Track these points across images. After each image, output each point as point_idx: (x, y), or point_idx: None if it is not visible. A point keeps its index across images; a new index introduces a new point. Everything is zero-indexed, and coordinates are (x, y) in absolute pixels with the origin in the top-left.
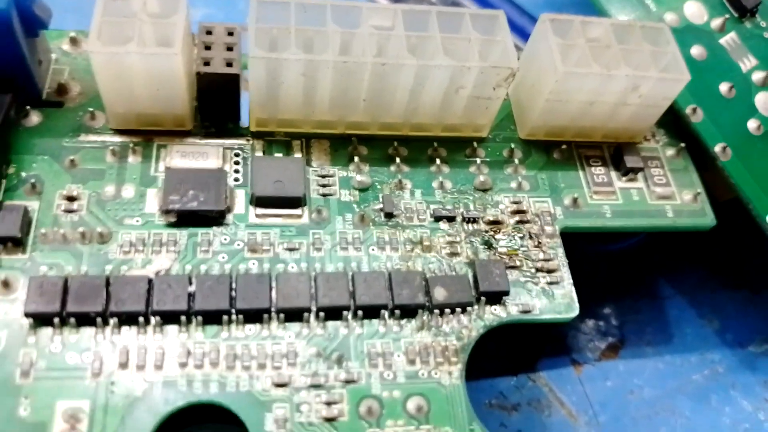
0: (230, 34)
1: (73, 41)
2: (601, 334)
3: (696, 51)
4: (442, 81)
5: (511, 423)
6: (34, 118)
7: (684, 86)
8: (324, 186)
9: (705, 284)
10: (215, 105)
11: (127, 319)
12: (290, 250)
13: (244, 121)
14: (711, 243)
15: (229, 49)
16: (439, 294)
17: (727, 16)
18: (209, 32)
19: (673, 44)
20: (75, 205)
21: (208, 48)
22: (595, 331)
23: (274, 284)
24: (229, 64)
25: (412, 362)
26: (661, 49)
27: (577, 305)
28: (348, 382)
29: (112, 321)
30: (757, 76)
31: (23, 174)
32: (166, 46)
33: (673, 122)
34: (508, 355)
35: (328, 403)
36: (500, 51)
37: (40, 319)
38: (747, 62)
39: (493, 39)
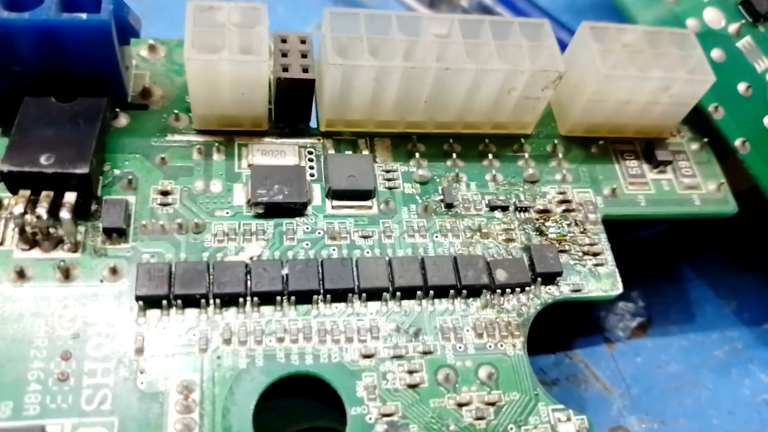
0: (303, 42)
1: (152, 48)
2: (631, 315)
3: (716, 54)
4: (497, 83)
5: (551, 396)
6: (123, 119)
7: (709, 87)
8: (389, 180)
9: (724, 268)
10: (290, 107)
11: (229, 300)
12: (364, 237)
13: (313, 122)
14: (729, 230)
15: (304, 56)
16: (501, 275)
17: (743, 21)
18: (284, 40)
19: (699, 49)
20: (169, 199)
21: (284, 55)
22: (625, 312)
23: (355, 267)
24: (305, 70)
25: (479, 336)
26: (687, 53)
27: (620, 284)
28: (425, 353)
29: (215, 302)
30: None
31: (117, 171)
32: (251, 53)
33: (695, 119)
34: (547, 334)
35: (410, 372)
36: (548, 56)
37: (149, 302)
38: (762, 63)
39: (541, 45)
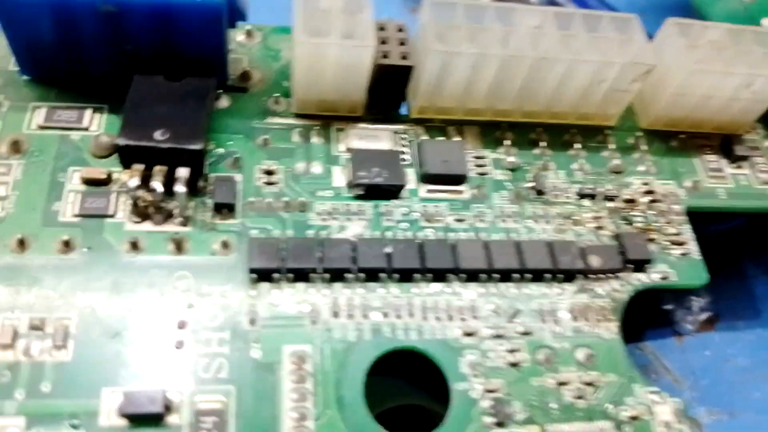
0: (400, 30)
1: (249, 34)
2: (699, 309)
3: None
4: (588, 74)
5: None
6: (224, 101)
7: None
8: (479, 166)
9: None
10: (386, 94)
11: (336, 275)
12: (459, 221)
13: (403, 110)
14: None
15: (402, 43)
16: (594, 261)
17: None
18: (382, 28)
19: None
20: (274, 178)
21: (384, 42)
22: (694, 306)
23: (454, 249)
24: (404, 57)
25: (575, 318)
26: None
27: (706, 274)
28: (524, 333)
29: (324, 276)
30: None
31: (221, 150)
32: (355, 39)
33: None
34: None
35: (511, 351)
36: (638, 49)
37: (262, 275)
38: None
39: (630, 38)
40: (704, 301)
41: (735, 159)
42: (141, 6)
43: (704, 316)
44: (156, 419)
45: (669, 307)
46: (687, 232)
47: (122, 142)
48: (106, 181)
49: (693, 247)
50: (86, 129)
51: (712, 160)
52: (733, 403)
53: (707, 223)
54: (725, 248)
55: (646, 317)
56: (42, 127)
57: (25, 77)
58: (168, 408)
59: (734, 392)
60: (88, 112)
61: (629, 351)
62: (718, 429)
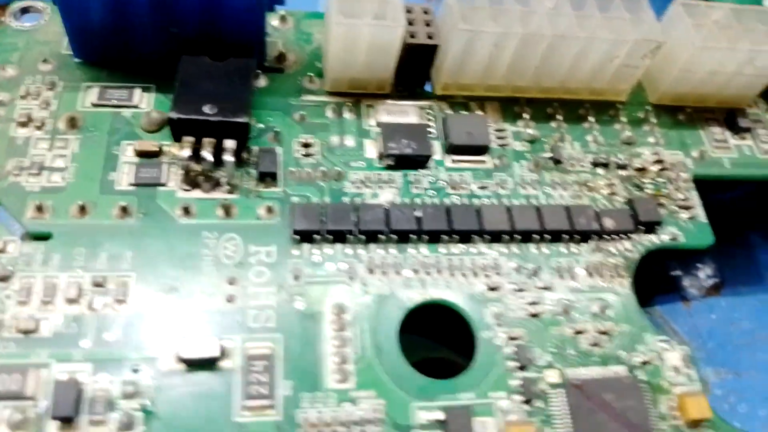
0: (425, 12)
1: (282, 19)
2: (705, 276)
3: None
4: (602, 51)
5: None
6: (262, 81)
7: None
8: (500, 138)
9: None
10: (412, 72)
11: (371, 236)
12: (482, 188)
13: (427, 87)
14: None
15: (428, 24)
16: (608, 223)
17: None
18: (410, 11)
19: None
20: (311, 150)
21: (411, 24)
22: (700, 273)
23: (479, 213)
24: (430, 37)
25: (590, 275)
26: None
27: (712, 236)
28: (544, 288)
29: (360, 238)
30: None
31: (261, 125)
32: (386, 19)
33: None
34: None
35: (531, 303)
36: (648, 27)
37: (304, 236)
38: None
39: (640, 17)
40: (711, 268)
41: (739, 131)
42: None
43: (710, 282)
44: (211, 363)
45: (677, 273)
46: (694, 198)
47: (175, 115)
48: (158, 153)
49: (700, 212)
50: (136, 106)
51: (717, 132)
52: (738, 364)
53: (713, 192)
54: (731, 217)
55: (655, 283)
56: (95, 105)
57: (76, 60)
58: (222, 353)
59: (739, 353)
60: (137, 91)
61: None
62: (724, 387)
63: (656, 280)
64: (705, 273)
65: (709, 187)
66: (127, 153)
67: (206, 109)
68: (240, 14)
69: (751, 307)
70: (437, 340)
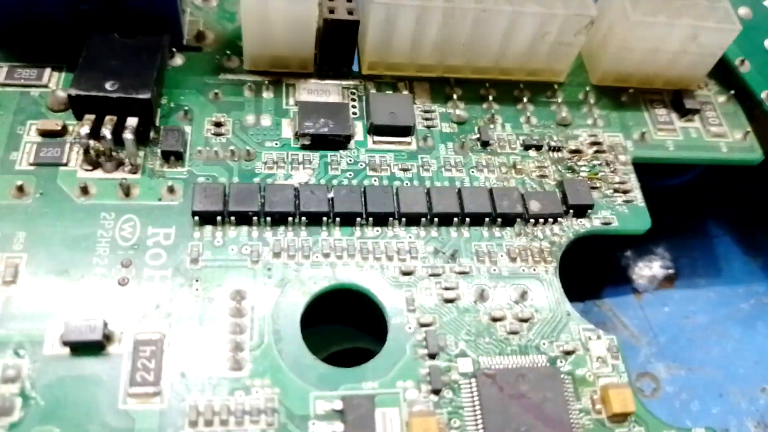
0: None
1: None
2: (658, 267)
3: (743, 11)
4: (532, 27)
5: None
6: (178, 59)
7: (735, 36)
8: (427, 120)
9: (750, 224)
10: (335, 49)
11: (279, 218)
12: (404, 170)
13: (355, 67)
14: (755, 186)
15: (349, 0)
16: (534, 206)
17: None
18: None
19: (726, 1)
20: (222, 130)
21: None
22: (653, 264)
23: (396, 194)
24: (350, 12)
25: (513, 260)
26: (714, 4)
27: (649, 220)
28: (461, 273)
29: (266, 220)
30: None
31: (173, 104)
32: None
33: (722, 75)
34: (576, 283)
35: (446, 288)
36: (580, 1)
37: (204, 218)
38: None
39: None
40: (664, 259)
41: (685, 113)
42: None
43: (663, 274)
44: (97, 348)
45: (628, 264)
46: (632, 181)
47: (73, 92)
48: (62, 133)
49: (638, 195)
50: (45, 86)
51: (662, 113)
52: (691, 359)
53: (663, 177)
54: (684, 206)
55: (605, 274)
56: (2, 84)
57: None
58: (108, 337)
59: (693, 348)
60: (47, 71)
61: (587, 308)
62: (675, 384)
63: (606, 272)
64: (658, 264)
65: (658, 171)
66: (31, 133)
67: (107, 85)
68: None
69: (706, 301)
70: (362, 330)
